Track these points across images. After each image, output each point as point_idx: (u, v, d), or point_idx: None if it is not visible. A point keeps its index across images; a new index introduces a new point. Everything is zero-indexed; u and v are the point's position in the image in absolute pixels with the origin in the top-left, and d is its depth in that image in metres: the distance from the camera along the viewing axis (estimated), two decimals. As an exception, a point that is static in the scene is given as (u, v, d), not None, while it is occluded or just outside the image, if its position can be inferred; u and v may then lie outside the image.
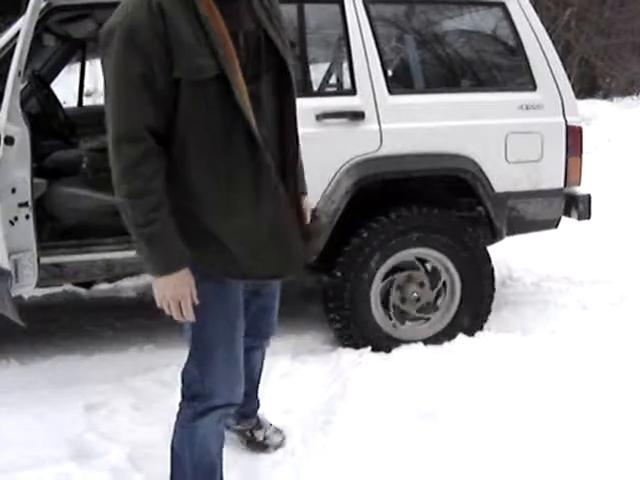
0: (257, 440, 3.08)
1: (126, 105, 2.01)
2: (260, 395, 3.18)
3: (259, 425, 3.10)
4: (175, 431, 2.41)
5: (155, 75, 1.99)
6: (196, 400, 2.32)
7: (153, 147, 2.03)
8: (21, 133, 3.09)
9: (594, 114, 13.42)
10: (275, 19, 2.21)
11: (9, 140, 3.02)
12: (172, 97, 2.02)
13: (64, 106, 5.39)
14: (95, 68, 9.66)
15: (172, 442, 2.42)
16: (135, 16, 1.98)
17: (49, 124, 4.60)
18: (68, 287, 4.66)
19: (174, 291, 2.09)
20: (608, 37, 17.22)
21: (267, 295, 2.65)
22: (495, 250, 4.38)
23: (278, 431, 3.12)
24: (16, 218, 3.10)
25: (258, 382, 3.03)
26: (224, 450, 2.51)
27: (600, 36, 17.10)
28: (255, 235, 2.16)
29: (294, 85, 2.25)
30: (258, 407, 3.12)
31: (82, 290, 4.64)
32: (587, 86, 17.38)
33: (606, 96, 16.99)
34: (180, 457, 2.40)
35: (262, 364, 2.98)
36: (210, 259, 2.18)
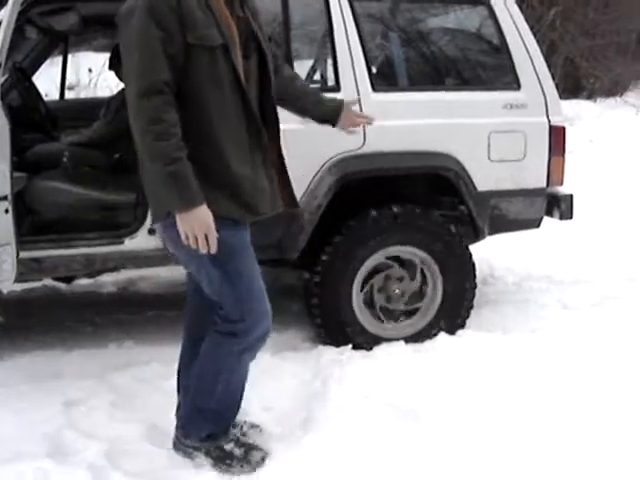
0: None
1: (148, 63, 2.38)
2: None
3: (234, 424, 3.02)
4: (211, 357, 2.72)
5: (170, 40, 2.39)
6: (238, 337, 2.65)
7: (171, 99, 2.40)
8: (1, 126, 3.07)
9: (577, 114, 13.47)
10: (255, 15, 2.69)
11: (-12, 132, 3.00)
12: (183, 61, 2.43)
13: (46, 99, 5.35)
14: (78, 61, 9.68)
15: (202, 366, 2.74)
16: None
17: (30, 117, 4.55)
18: (48, 282, 4.62)
19: (199, 222, 2.41)
20: (593, 37, 17.29)
21: None
22: (477, 248, 4.38)
23: (255, 426, 3.09)
24: (-5, 212, 3.08)
25: None
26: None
27: (585, 36, 17.16)
28: (256, 178, 2.61)
29: (270, 69, 2.69)
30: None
31: (62, 285, 4.60)
32: (571, 86, 17.44)
33: (590, 96, 17.05)
34: (212, 384, 2.73)
35: None
36: (225, 203, 2.53)
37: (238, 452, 2.84)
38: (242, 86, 2.53)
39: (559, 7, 16.74)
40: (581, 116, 13.55)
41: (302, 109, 3.09)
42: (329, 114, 3.08)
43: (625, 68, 17.88)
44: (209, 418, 2.81)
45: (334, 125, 3.10)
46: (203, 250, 2.44)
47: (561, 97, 13.29)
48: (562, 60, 16.74)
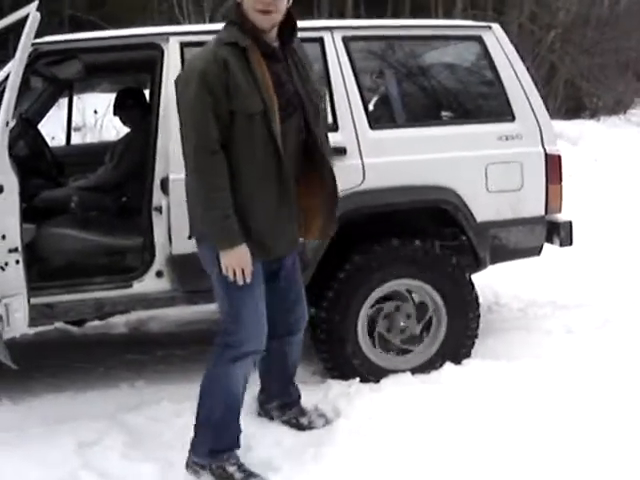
0: (302, 425, 3.49)
1: (203, 125, 2.81)
2: (247, 425, 3.32)
3: (303, 412, 3.53)
4: (210, 370, 3.10)
5: (218, 105, 2.80)
6: (232, 348, 3.03)
7: (223, 156, 2.83)
8: (10, 181, 3.17)
9: (581, 134, 13.52)
10: (306, 79, 3.04)
11: (-2, 189, 3.10)
12: (229, 124, 2.83)
13: (52, 144, 5.48)
14: (83, 102, 9.83)
15: (203, 381, 3.10)
16: (207, 67, 2.81)
17: (37, 165, 4.67)
18: (59, 324, 4.70)
19: (238, 259, 2.87)
20: (592, 57, 17.39)
21: (287, 295, 3.30)
22: (482, 276, 4.45)
23: (322, 415, 3.53)
24: (6, 263, 3.17)
25: (294, 374, 3.55)
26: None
27: (584, 56, 17.27)
28: (278, 228, 2.99)
29: (313, 126, 3.04)
30: (299, 397, 3.58)
31: (73, 328, 4.67)
32: (574, 107, 17.52)
33: (593, 116, 17.12)
34: (211, 393, 3.08)
35: (297, 357, 3.52)
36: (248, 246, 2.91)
37: (238, 476, 3.05)
38: (278, 148, 2.88)
39: (558, 29, 16.87)
40: (585, 136, 13.59)
41: None
42: None
43: (627, 86, 17.97)
44: (211, 432, 3.10)
45: None
46: (240, 282, 2.89)
47: (564, 118, 13.40)
48: (563, 81, 16.85)
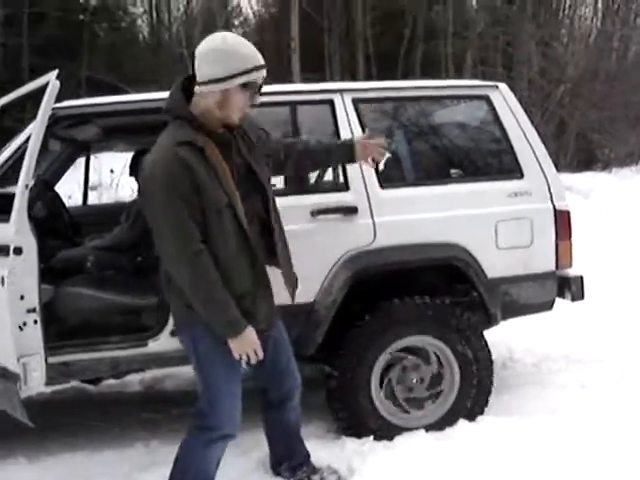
0: None
1: (182, 232, 2.81)
2: None
3: (314, 470, 3.57)
4: (183, 449, 3.15)
5: (192, 207, 2.80)
6: (206, 430, 3.08)
7: (201, 248, 2.83)
8: (29, 243, 3.25)
9: (592, 187, 13.58)
10: (253, 150, 3.07)
11: (17, 250, 3.17)
12: (202, 220, 2.84)
13: (68, 204, 5.57)
14: (100, 161, 9.99)
15: (179, 452, 3.16)
16: (171, 171, 2.78)
17: (54, 226, 4.76)
18: (76, 383, 4.74)
19: (248, 342, 2.92)
20: (602, 110, 17.53)
21: (277, 365, 3.32)
22: (495, 332, 4.45)
23: (334, 472, 3.57)
24: (25, 323, 3.23)
25: (298, 434, 3.58)
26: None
27: (594, 110, 17.42)
28: (254, 306, 3.01)
29: (270, 199, 3.10)
30: (308, 456, 3.60)
31: (89, 386, 4.70)
32: (585, 159, 17.63)
33: (605, 168, 17.20)
34: (184, 468, 3.13)
35: (297, 420, 3.55)
36: None
37: None
38: (246, 234, 2.93)
39: (567, 84, 17.06)
40: (596, 188, 13.65)
41: (324, 164, 3.62)
42: (346, 155, 3.45)
43: (637, 138, 18.06)
44: None
45: (354, 161, 3.49)
46: (253, 361, 2.97)
47: (575, 170, 13.48)
48: (574, 135, 16.97)
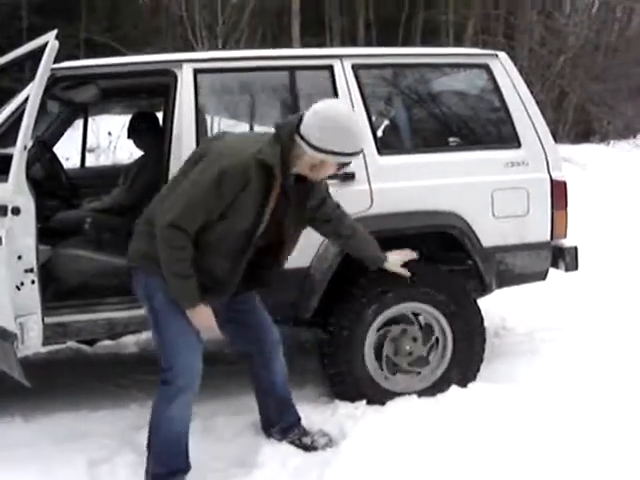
0: (306, 445, 3.55)
1: (192, 210, 2.93)
2: (256, 446, 3.48)
3: (305, 433, 3.60)
4: (154, 402, 3.21)
5: (216, 206, 2.94)
6: (167, 384, 3.13)
7: (191, 239, 2.95)
8: (27, 203, 3.26)
9: (590, 159, 13.56)
10: (303, 200, 3.20)
11: (15, 210, 3.19)
12: (214, 223, 2.97)
13: (66, 166, 5.57)
14: (97, 124, 9.95)
15: (151, 409, 3.22)
16: (235, 170, 2.91)
17: (52, 187, 4.76)
18: (72, 344, 4.78)
19: (200, 318, 3.04)
20: (603, 82, 17.46)
21: (251, 325, 3.46)
22: (489, 300, 4.50)
23: (325, 434, 3.59)
24: (22, 283, 3.25)
25: (287, 397, 3.63)
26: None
27: (594, 81, 17.34)
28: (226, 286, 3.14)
29: (287, 246, 3.25)
30: (299, 419, 3.64)
31: (85, 346, 4.74)
32: (583, 131, 17.60)
33: (602, 140, 17.17)
34: (154, 425, 3.20)
35: (284, 381, 3.59)
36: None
37: None
38: (249, 247, 3.06)
39: (568, 54, 16.96)
40: (594, 160, 13.62)
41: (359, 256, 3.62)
42: (375, 265, 3.63)
43: (636, 111, 18.01)
44: (155, 458, 3.21)
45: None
46: (204, 337, 3.13)
47: (573, 142, 13.42)
48: (573, 106, 16.91)
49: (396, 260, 3.63)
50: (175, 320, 3.08)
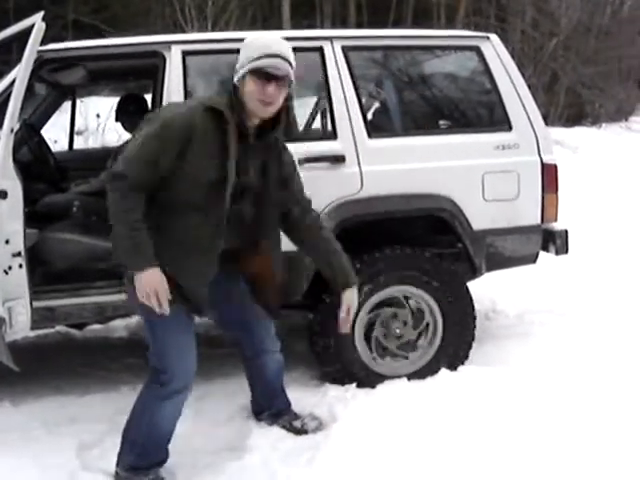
0: (296, 428, 3.55)
1: (137, 162, 2.84)
2: (247, 429, 3.49)
3: (295, 416, 3.61)
4: (141, 396, 3.12)
5: (163, 157, 2.83)
6: (160, 386, 3.02)
7: (137, 190, 2.82)
8: (14, 187, 3.23)
9: (581, 142, 13.57)
10: (275, 165, 3.10)
11: (2, 194, 3.16)
12: (167, 176, 2.85)
13: (54, 149, 5.53)
14: (86, 106, 9.88)
15: (135, 404, 3.13)
16: (178, 121, 2.85)
17: (40, 170, 4.72)
18: (61, 328, 4.76)
19: (150, 282, 2.81)
20: (595, 65, 17.44)
21: (241, 318, 3.38)
22: (479, 283, 4.50)
23: (315, 418, 3.60)
24: (10, 267, 3.23)
25: (279, 387, 3.61)
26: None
27: (587, 64, 17.32)
28: (197, 275, 2.96)
29: (266, 208, 3.11)
30: (289, 405, 3.64)
31: (74, 331, 4.73)
32: (575, 114, 17.58)
33: (594, 123, 17.17)
34: (139, 419, 3.10)
35: (277, 374, 3.57)
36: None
37: None
38: (220, 213, 2.91)
39: (560, 37, 16.92)
40: (585, 143, 13.64)
41: (322, 267, 3.37)
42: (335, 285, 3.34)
43: (628, 94, 18.02)
44: (134, 450, 3.12)
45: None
46: (154, 306, 2.84)
47: (565, 125, 13.39)
48: (564, 89, 16.89)
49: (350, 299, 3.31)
50: (171, 322, 2.94)
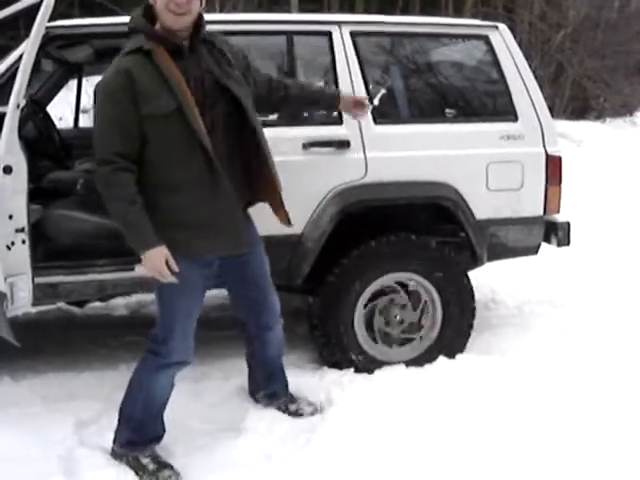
0: (291, 412, 3.57)
1: (102, 138, 2.88)
2: (243, 411, 3.49)
3: (291, 400, 3.62)
4: (137, 370, 3.17)
5: (125, 115, 2.82)
6: (158, 356, 3.07)
7: (121, 166, 2.83)
8: (19, 162, 3.23)
9: (585, 135, 13.53)
10: (225, 64, 3.01)
11: (7, 169, 3.16)
12: (140, 130, 2.84)
13: (60, 126, 5.52)
14: (91, 85, 9.84)
15: (132, 377, 3.18)
16: (111, 80, 2.87)
17: (45, 147, 4.72)
18: (62, 305, 4.77)
19: (152, 262, 2.85)
20: (601, 59, 17.35)
21: (255, 297, 3.35)
22: (479, 273, 4.50)
23: (311, 404, 3.61)
24: (13, 243, 3.23)
25: (278, 367, 3.61)
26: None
27: (593, 58, 17.24)
28: (210, 224, 2.95)
29: (247, 109, 3.00)
30: (286, 386, 3.65)
31: (75, 308, 4.74)
32: (579, 107, 17.51)
33: (598, 117, 17.10)
34: (135, 393, 3.15)
35: (278, 353, 3.57)
36: (176, 243, 2.89)
37: (152, 467, 3.11)
38: (201, 143, 2.86)
39: (567, 29, 16.84)
40: (589, 137, 13.59)
41: (306, 110, 3.61)
42: (328, 106, 3.56)
43: (633, 89, 17.93)
44: (130, 425, 3.17)
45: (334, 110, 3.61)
46: (165, 281, 2.88)
47: (569, 118, 13.33)
48: (570, 82, 16.82)
49: (349, 99, 3.52)
50: (179, 298, 3.01)
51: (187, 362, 3.15)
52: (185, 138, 2.85)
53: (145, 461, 3.12)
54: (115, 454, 3.18)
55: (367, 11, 19.50)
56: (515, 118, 4.18)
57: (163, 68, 2.85)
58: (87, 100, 10.22)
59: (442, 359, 4.02)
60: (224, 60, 3.04)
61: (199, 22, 2.97)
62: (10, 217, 3.23)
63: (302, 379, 3.85)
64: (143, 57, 2.87)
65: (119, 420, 3.19)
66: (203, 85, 2.94)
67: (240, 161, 3.06)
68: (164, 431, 3.22)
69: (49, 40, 3.71)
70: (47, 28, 3.42)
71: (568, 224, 4.26)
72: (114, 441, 3.20)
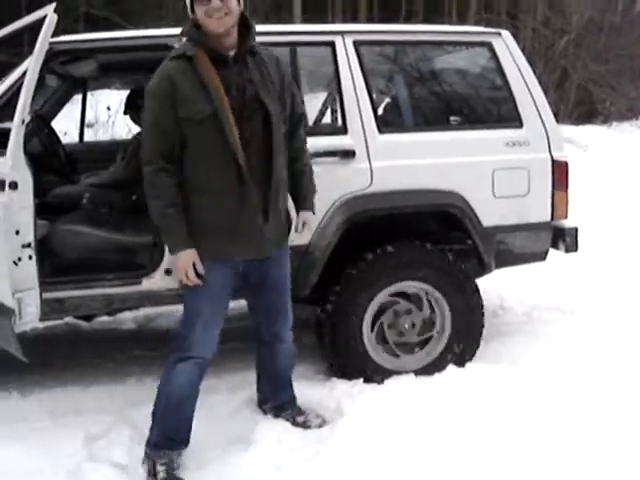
0: (298, 424, 3.56)
1: (147, 138, 3.06)
2: (253, 422, 3.48)
3: (299, 412, 3.61)
4: (163, 373, 3.23)
5: (165, 119, 2.98)
6: (178, 351, 3.17)
7: (163, 167, 3.00)
8: (25, 178, 3.23)
9: (591, 140, 13.51)
10: (267, 79, 3.08)
11: (13, 185, 3.16)
12: (180, 134, 2.98)
13: (65, 140, 5.54)
14: (96, 98, 9.88)
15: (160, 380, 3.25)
16: (155, 84, 3.02)
17: (50, 162, 4.73)
18: (69, 319, 4.77)
19: (181, 262, 3.03)
20: (606, 63, 17.36)
21: (273, 303, 3.38)
22: (487, 280, 4.48)
23: (319, 416, 3.60)
24: (20, 259, 3.23)
25: (287, 378, 3.62)
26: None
27: (597, 62, 17.24)
28: (236, 229, 3.06)
29: (275, 128, 3.06)
30: (293, 398, 3.65)
31: (83, 322, 4.74)
32: (585, 112, 17.51)
33: (605, 121, 17.09)
34: (160, 388, 3.23)
35: (287, 364, 3.58)
36: (204, 246, 3.06)
37: (162, 476, 3.14)
38: (233, 151, 2.96)
39: (571, 34, 16.85)
40: (595, 141, 13.57)
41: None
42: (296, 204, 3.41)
43: (639, 92, 17.91)
44: (155, 421, 3.24)
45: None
46: (190, 283, 3.04)
47: (575, 123, 13.34)
48: (575, 86, 16.82)
49: (303, 219, 3.40)
50: (203, 298, 3.12)
51: (205, 359, 3.19)
52: (220, 146, 2.96)
53: (159, 468, 3.15)
54: (146, 456, 3.23)
55: (370, 20, 19.58)
56: (520, 124, 4.17)
57: (203, 74, 2.96)
58: (92, 114, 10.36)
59: (452, 368, 4.00)
60: (264, 72, 3.11)
61: (247, 32, 3.05)
62: (17, 233, 3.23)
63: (312, 390, 3.84)
64: (186, 62, 2.99)
65: (152, 421, 3.26)
66: (244, 95, 3.02)
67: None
68: (187, 441, 3.25)
69: (53, 55, 3.71)
70: (51, 43, 3.43)
71: (576, 230, 4.24)
72: (146, 442, 3.25)
